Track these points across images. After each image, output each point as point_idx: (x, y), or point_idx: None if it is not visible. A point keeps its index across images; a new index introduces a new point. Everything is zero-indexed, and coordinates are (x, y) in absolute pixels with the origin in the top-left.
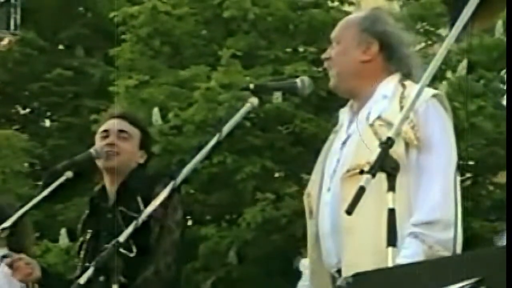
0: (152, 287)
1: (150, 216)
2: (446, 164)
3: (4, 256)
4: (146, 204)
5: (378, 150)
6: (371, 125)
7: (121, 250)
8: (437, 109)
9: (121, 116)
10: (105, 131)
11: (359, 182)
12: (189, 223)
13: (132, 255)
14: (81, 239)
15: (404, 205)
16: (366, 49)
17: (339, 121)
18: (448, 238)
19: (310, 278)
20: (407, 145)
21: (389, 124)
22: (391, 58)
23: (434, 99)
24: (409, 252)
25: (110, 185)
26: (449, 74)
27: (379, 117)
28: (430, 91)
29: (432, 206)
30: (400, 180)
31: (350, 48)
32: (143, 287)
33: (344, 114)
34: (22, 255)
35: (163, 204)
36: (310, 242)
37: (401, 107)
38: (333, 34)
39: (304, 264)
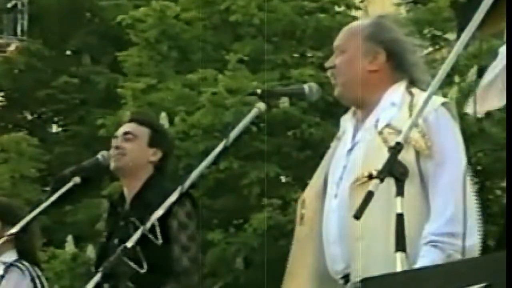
0: None
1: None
2: (460, 174)
3: (12, 265)
4: (162, 220)
5: (387, 155)
6: (380, 133)
7: (131, 263)
8: (447, 118)
9: (131, 120)
10: (116, 136)
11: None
12: None
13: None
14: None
15: (414, 213)
16: (373, 59)
17: (341, 129)
18: (467, 246)
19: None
20: (417, 153)
21: (399, 132)
22: (398, 66)
23: (443, 107)
24: (427, 260)
25: (128, 189)
26: (456, 79)
27: (388, 125)
28: (438, 99)
29: (450, 217)
30: (409, 187)
31: (356, 57)
32: None
33: (346, 121)
34: None
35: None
36: (296, 247)
37: (411, 116)
38: (337, 42)
39: None
